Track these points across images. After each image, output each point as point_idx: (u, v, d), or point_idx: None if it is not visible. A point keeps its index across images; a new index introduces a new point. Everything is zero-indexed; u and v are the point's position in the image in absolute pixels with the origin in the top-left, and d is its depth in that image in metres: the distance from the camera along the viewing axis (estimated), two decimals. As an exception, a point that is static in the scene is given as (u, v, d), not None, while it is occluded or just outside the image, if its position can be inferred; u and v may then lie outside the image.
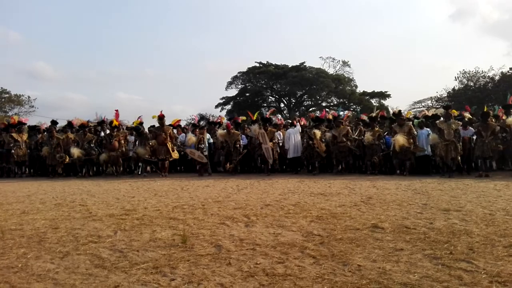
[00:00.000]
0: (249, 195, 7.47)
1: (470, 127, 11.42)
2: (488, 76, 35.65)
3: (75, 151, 12.51)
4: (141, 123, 13.80)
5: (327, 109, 39.88)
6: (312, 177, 11.24)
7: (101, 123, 13.80)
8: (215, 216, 5.39)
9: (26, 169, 14.27)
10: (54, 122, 14.27)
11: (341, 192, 7.59)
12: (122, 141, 12.93)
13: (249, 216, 5.30)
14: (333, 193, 7.53)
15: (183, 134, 14.12)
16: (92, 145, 12.96)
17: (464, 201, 6.23)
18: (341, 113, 16.72)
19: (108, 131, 13.43)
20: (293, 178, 11.02)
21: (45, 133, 13.78)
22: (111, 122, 13.52)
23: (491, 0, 75.20)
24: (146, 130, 13.80)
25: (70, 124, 14.01)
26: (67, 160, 12.53)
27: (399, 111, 13.13)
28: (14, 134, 13.20)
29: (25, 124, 14.33)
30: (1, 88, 35.98)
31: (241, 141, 12.60)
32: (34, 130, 14.46)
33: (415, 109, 22.00)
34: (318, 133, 11.96)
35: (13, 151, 12.93)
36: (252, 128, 12.70)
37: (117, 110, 13.75)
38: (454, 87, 37.15)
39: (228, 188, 8.63)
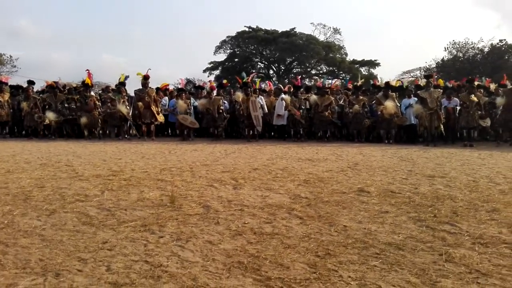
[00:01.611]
0: (237, 159, 7.48)
1: (455, 98, 11.51)
2: (478, 47, 35.67)
3: (50, 115, 12.19)
4: (127, 77, 13.41)
5: (315, 77, 39.81)
6: (299, 143, 11.29)
7: (88, 85, 13.40)
8: (203, 178, 5.39)
9: (8, 129, 13.95)
10: (31, 82, 13.82)
11: (328, 158, 7.64)
12: (98, 102, 12.63)
13: (237, 179, 5.32)
14: (321, 159, 7.59)
15: (165, 98, 13.88)
16: (66, 105, 12.64)
17: (449, 168, 6.35)
18: (328, 81, 16.65)
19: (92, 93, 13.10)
20: (280, 144, 11.05)
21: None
22: (84, 81, 13.19)
23: (485, -30, 73.98)
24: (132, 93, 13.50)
25: (51, 85, 13.61)
26: (46, 121, 12.23)
27: (386, 82, 13.17)
28: (-5, 94, 12.81)
29: (5, 83, 13.86)
30: (-19, 46, 34.64)
31: (222, 107, 12.43)
32: (17, 89, 14.03)
33: (404, 79, 21.97)
34: (287, 98, 12.00)
35: (-6, 111, 12.58)
36: (237, 95, 12.46)
37: (88, 70, 13.41)
38: (443, 58, 37.17)
39: (216, 153, 8.61)
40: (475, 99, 10.67)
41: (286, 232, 3.10)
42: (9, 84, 14.10)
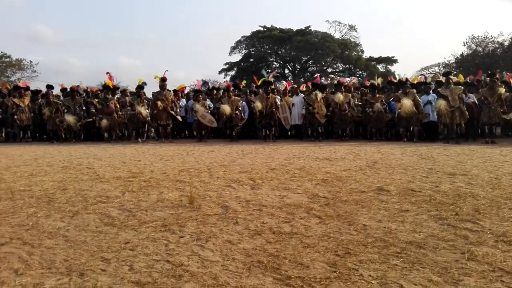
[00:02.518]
0: (254, 159, 7.50)
1: (470, 94, 11.27)
2: (498, 41, 34.80)
3: (70, 119, 12.43)
4: (144, 83, 13.61)
5: (331, 75, 39.50)
6: (316, 143, 11.24)
7: (109, 88, 13.58)
8: (221, 179, 5.42)
9: (30, 133, 14.31)
10: (50, 87, 14.08)
11: (346, 157, 7.59)
12: (118, 105, 12.83)
13: (255, 179, 5.34)
14: (338, 158, 7.54)
15: (183, 100, 14.01)
16: (84, 108, 12.87)
17: (470, 166, 6.23)
18: (347, 79, 16.51)
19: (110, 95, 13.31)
20: (297, 144, 11.02)
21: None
22: (105, 84, 13.39)
23: (504, -38, 72.02)
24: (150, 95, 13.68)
25: (71, 89, 13.91)
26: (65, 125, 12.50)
27: (406, 79, 12.96)
28: (15, 99, 13.15)
29: (26, 88, 14.22)
30: (1, 52, 35.58)
31: (241, 107, 12.43)
32: (36, 94, 14.37)
33: (422, 75, 21.66)
34: (319, 95, 11.85)
35: (16, 116, 12.93)
36: (256, 104, 12.23)
37: (108, 73, 13.65)
38: (462, 53, 36.41)
39: (233, 153, 8.65)
40: (502, 90, 10.41)
41: (305, 232, 3.10)
42: (30, 88, 14.48)
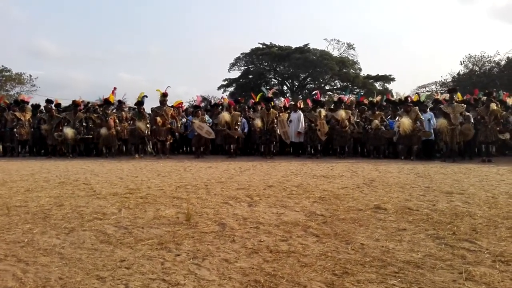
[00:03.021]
0: (252, 176, 7.50)
1: (467, 112, 11.36)
2: (494, 61, 35.24)
3: (68, 131, 12.41)
4: (145, 97, 13.64)
5: (329, 92, 39.81)
6: (314, 160, 11.26)
7: (110, 103, 13.60)
8: (218, 196, 5.41)
9: (28, 148, 14.29)
10: (49, 101, 14.10)
11: (343, 175, 7.60)
12: (117, 120, 12.85)
13: (252, 196, 5.33)
14: (336, 175, 7.55)
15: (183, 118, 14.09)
16: (84, 124, 12.88)
17: (467, 184, 6.24)
18: (347, 96, 16.61)
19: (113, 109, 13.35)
20: (295, 161, 11.03)
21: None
22: (106, 99, 13.43)
23: (500, -17, 73.59)
24: (149, 110, 13.73)
25: (74, 103, 13.92)
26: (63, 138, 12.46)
27: (406, 97, 13.03)
28: (17, 113, 13.18)
29: (27, 102, 14.27)
30: (2, 66, 35.77)
31: (239, 123, 12.49)
32: (36, 109, 14.40)
33: (422, 93, 21.77)
34: (323, 112, 11.90)
35: (15, 129, 12.92)
36: (256, 122, 12.29)
37: (115, 88, 13.73)
38: (459, 72, 36.80)
39: (230, 170, 8.65)
40: (494, 106, 10.47)
41: (302, 250, 3.08)
42: (30, 103, 14.51)
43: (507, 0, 68.27)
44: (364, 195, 5.39)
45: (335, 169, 8.60)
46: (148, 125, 12.51)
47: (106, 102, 13.35)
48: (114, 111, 13.65)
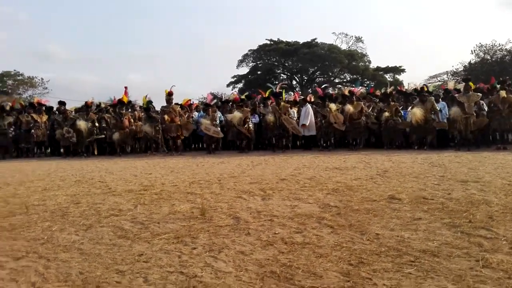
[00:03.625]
0: (264, 170, 7.51)
1: (481, 101, 11.19)
2: (506, 49, 34.58)
3: (81, 124, 12.49)
4: (149, 102, 13.76)
5: (339, 85, 39.58)
6: (326, 152, 11.23)
7: (124, 103, 13.73)
8: (231, 190, 5.45)
9: (44, 149, 14.57)
10: (62, 103, 14.29)
11: (356, 166, 7.57)
12: (132, 120, 12.98)
13: (265, 190, 5.35)
14: (348, 167, 7.52)
15: (195, 113, 14.17)
16: (97, 124, 13.02)
17: (482, 172, 6.17)
18: (358, 88, 16.49)
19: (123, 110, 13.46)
20: (307, 154, 11.01)
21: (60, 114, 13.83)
22: (120, 99, 13.54)
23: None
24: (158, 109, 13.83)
25: (87, 105, 14.10)
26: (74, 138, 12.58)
27: (422, 87, 12.87)
28: (34, 115, 13.42)
29: (44, 105, 14.54)
30: (14, 70, 36.38)
31: (251, 119, 12.52)
32: (51, 111, 14.64)
33: (430, 83, 21.51)
34: (333, 106, 11.86)
35: (33, 131, 13.16)
36: (268, 118, 12.25)
37: (126, 87, 13.83)
38: (470, 61, 36.24)
39: (243, 164, 8.68)
40: (504, 95, 10.30)
41: (317, 242, 3.10)
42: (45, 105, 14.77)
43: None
44: (378, 185, 5.37)
45: (347, 161, 8.56)
46: (158, 127, 12.60)
47: (120, 102, 13.47)
48: (129, 110, 13.80)
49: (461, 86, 12.48)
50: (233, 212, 4.14)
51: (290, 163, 8.60)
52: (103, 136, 12.92)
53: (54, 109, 14.68)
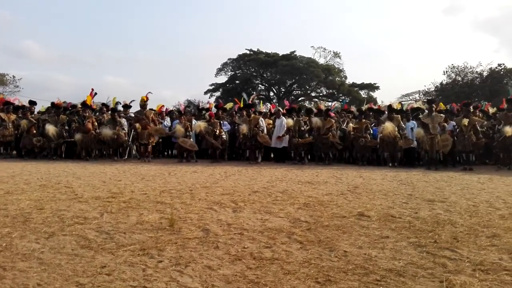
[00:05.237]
0: (237, 181, 7.48)
1: (451, 121, 11.58)
2: (476, 71, 36.11)
3: (50, 128, 12.08)
4: (118, 103, 13.52)
5: (315, 99, 40.16)
6: (299, 166, 11.29)
7: (84, 104, 13.44)
8: (202, 201, 5.38)
9: (10, 150, 13.97)
10: (32, 102, 13.79)
11: (328, 181, 7.64)
12: (96, 123, 12.65)
13: (237, 202, 5.31)
14: (320, 181, 7.58)
15: (167, 119, 14.03)
16: (67, 127, 12.64)
17: (449, 192, 6.34)
18: (328, 103, 16.85)
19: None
20: (280, 166, 11.05)
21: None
22: (84, 101, 13.23)
23: (482, -4, 75.60)
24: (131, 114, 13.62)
25: (53, 105, 13.68)
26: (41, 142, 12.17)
27: (390, 105, 13.23)
28: (1, 114, 12.87)
29: (13, 104, 13.97)
30: (-16, 66, 35.07)
31: (223, 127, 12.50)
32: (19, 110, 14.08)
33: (403, 102, 22.15)
34: (290, 122, 12.18)
35: (-1, 131, 12.62)
36: (241, 128, 12.26)
37: (92, 89, 13.54)
38: (442, 82, 37.57)
39: (215, 174, 8.61)
40: (465, 123, 10.71)
41: (286, 257, 3.08)
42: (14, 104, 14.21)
43: (488, 13, 70.15)
44: (348, 202, 5.43)
45: (320, 175, 8.64)
46: (123, 131, 12.34)
47: (83, 105, 13.13)
48: (97, 114, 13.47)
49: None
50: (202, 224, 4.08)
51: (263, 175, 8.60)
52: (73, 139, 12.52)
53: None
